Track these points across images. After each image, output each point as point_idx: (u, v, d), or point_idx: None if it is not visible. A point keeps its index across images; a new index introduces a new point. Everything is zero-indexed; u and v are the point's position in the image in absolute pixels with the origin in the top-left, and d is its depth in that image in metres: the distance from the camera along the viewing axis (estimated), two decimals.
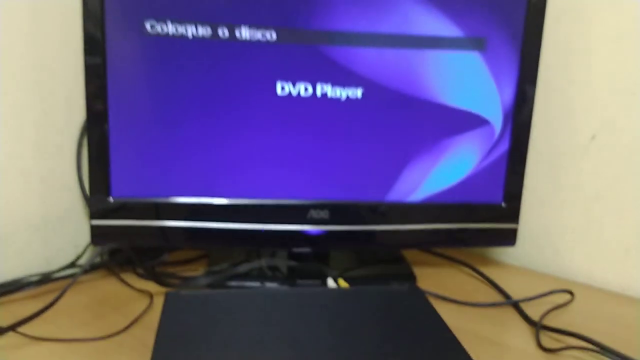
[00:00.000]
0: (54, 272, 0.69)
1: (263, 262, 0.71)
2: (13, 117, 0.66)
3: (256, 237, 0.68)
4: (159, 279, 0.66)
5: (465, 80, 0.68)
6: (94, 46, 0.61)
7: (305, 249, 0.71)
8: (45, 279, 0.68)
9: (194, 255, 0.79)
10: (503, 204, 0.73)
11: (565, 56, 0.76)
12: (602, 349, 0.56)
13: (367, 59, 0.65)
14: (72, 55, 0.66)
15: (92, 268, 0.72)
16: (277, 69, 0.65)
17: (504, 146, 0.71)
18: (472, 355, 0.45)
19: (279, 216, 0.68)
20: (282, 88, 0.65)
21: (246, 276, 0.70)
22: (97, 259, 0.70)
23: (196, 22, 0.62)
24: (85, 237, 0.74)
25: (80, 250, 0.73)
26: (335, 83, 0.66)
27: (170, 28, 0.62)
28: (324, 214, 0.69)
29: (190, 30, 0.62)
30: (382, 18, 0.64)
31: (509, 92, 0.69)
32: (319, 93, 0.66)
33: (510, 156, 0.71)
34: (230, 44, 0.63)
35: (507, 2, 0.66)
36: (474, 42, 0.67)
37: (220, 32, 0.63)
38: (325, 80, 0.65)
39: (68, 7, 0.65)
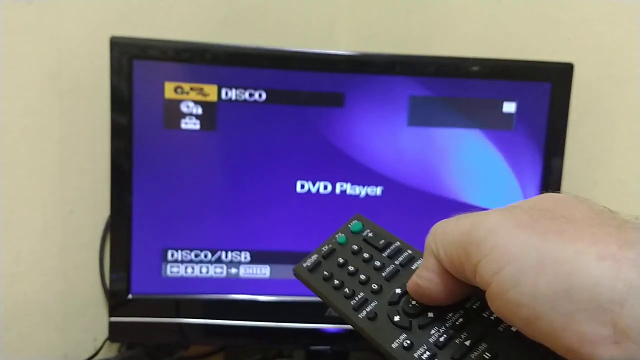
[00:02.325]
0: None
1: None
2: (39, 216, 0.68)
3: (274, 334, 0.67)
4: None
5: (487, 178, 0.67)
6: (122, 146, 0.63)
7: (324, 347, 0.69)
8: None
9: (211, 350, 0.78)
10: None
11: (589, 156, 0.75)
12: None
13: (386, 158, 0.66)
14: (100, 154, 0.69)
15: None
16: (297, 168, 0.65)
17: None
18: None
19: (297, 313, 0.67)
20: (302, 186, 0.66)
21: None
22: (116, 358, 0.69)
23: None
24: (104, 330, 0.74)
25: (98, 344, 0.73)
26: (354, 182, 0.66)
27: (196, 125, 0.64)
28: None
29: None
30: (399, 120, 0.65)
31: (533, 193, 0.68)
32: (338, 190, 0.66)
33: None
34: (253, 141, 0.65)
35: (530, 103, 0.66)
36: (495, 143, 0.67)
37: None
38: (344, 179, 0.66)
39: (96, 108, 0.68)
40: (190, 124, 0.63)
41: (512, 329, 0.25)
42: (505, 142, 0.66)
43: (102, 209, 0.69)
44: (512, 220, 0.22)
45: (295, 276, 0.31)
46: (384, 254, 0.30)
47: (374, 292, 0.28)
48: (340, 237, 0.32)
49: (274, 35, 0.72)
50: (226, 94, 0.63)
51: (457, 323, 0.26)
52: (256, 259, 0.66)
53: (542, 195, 0.25)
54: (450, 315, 0.26)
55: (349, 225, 0.32)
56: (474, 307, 0.26)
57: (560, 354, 0.20)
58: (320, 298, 0.30)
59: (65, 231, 0.70)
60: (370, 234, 0.31)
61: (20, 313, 0.69)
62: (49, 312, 0.71)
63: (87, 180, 0.70)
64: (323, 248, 0.31)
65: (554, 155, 0.67)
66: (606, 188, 0.75)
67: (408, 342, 0.26)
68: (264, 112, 0.64)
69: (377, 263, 0.30)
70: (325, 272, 0.30)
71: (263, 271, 0.67)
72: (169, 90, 0.62)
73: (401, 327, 0.26)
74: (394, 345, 0.26)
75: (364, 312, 0.28)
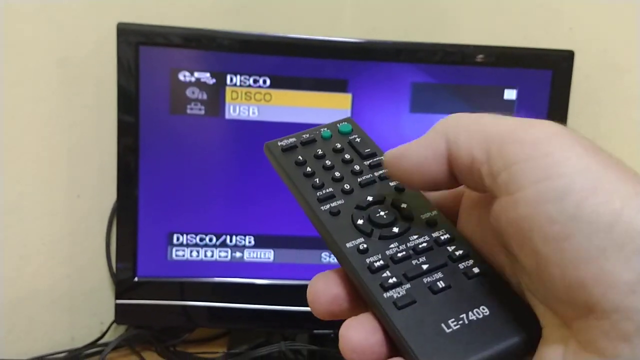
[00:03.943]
0: (79, 349, 0.70)
1: (283, 346, 0.70)
2: (47, 201, 0.70)
3: (277, 317, 0.68)
4: None
5: None
6: (128, 131, 0.64)
7: (327, 331, 0.71)
8: (71, 357, 0.69)
9: (215, 333, 0.79)
10: None
11: None
12: None
13: (389, 144, 0.67)
14: (106, 139, 0.70)
15: (116, 347, 0.72)
16: None
17: None
18: None
19: (300, 297, 0.68)
20: None
21: (267, 358, 0.69)
22: (121, 340, 0.71)
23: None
24: (110, 314, 0.75)
25: (105, 327, 0.74)
26: None
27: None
28: None
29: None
30: (403, 106, 0.66)
31: None
32: None
33: None
34: (259, 125, 0.66)
35: (530, 91, 0.67)
36: None
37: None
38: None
39: (103, 94, 0.69)
40: (195, 110, 0.64)
41: (474, 269, 0.24)
42: None
43: (109, 194, 0.71)
44: (573, 139, 0.20)
45: (265, 152, 0.30)
46: (365, 162, 0.28)
47: (344, 191, 0.27)
48: (325, 131, 0.30)
49: (280, 22, 0.73)
50: (231, 80, 0.64)
51: (419, 247, 0.25)
52: (260, 243, 0.67)
53: None
54: (414, 237, 0.25)
55: (338, 125, 0.30)
56: (442, 238, 0.25)
57: (554, 286, 0.19)
58: (285, 182, 0.28)
59: (72, 216, 0.71)
60: (357, 139, 0.30)
61: (27, 296, 0.71)
62: (56, 295, 0.72)
63: (94, 166, 0.71)
64: (304, 135, 0.30)
65: None
66: None
67: (364, 246, 0.24)
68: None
69: (356, 167, 0.28)
70: (299, 157, 0.28)
71: (267, 255, 0.68)
72: (175, 76, 0.63)
73: (361, 231, 0.25)
74: (348, 245, 0.25)
75: (328, 206, 0.26)
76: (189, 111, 0.64)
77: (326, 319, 0.25)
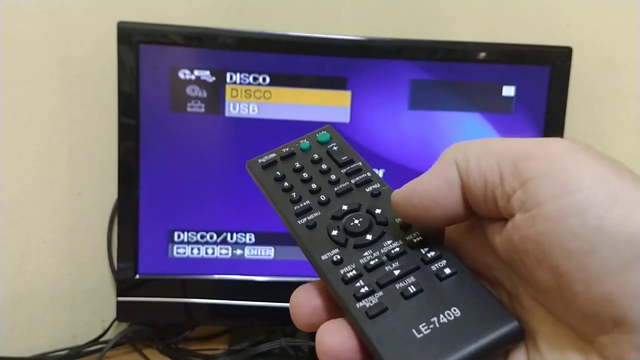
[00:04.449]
0: (80, 347, 0.70)
1: (284, 342, 0.70)
2: (48, 199, 0.70)
3: (278, 314, 0.68)
4: (179, 358, 0.67)
5: None
6: (129, 130, 0.64)
7: None
8: (72, 354, 0.69)
9: (216, 330, 0.79)
10: None
11: (588, 140, 0.76)
12: None
13: (388, 141, 0.67)
14: (107, 138, 0.70)
15: (117, 344, 0.73)
16: None
17: None
18: None
19: None
20: None
21: (267, 355, 0.70)
22: (123, 337, 0.71)
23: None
24: (112, 311, 0.75)
25: (106, 325, 0.75)
26: None
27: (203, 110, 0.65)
28: None
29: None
30: (402, 103, 0.66)
31: None
32: None
33: None
34: (258, 123, 0.66)
35: (529, 87, 0.67)
36: (495, 127, 0.68)
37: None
38: None
39: (104, 92, 0.69)
40: (195, 108, 0.65)
41: (445, 270, 0.24)
42: (505, 125, 0.67)
43: (109, 192, 0.71)
44: (587, 152, 0.20)
45: (247, 169, 0.31)
46: (342, 170, 0.29)
47: (320, 203, 0.28)
48: (304, 143, 0.31)
49: (278, 20, 0.74)
50: (231, 77, 0.64)
51: (392, 252, 0.25)
52: (261, 240, 0.68)
53: None
54: (388, 242, 0.25)
55: (317, 135, 0.31)
56: (415, 240, 0.25)
57: (574, 304, 0.19)
58: (266, 197, 0.29)
59: (73, 213, 0.72)
60: (335, 148, 0.30)
61: (28, 294, 0.71)
62: (58, 293, 0.72)
63: (95, 164, 0.71)
64: (284, 149, 0.30)
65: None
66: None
67: (338, 257, 0.25)
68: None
69: (333, 177, 0.29)
70: (277, 173, 0.29)
71: (267, 252, 0.68)
72: (175, 74, 0.64)
73: (336, 242, 0.26)
74: (323, 257, 0.25)
75: (305, 219, 0.27)
76: (189, 109, 0.65)
77: (308, 331, 0.25)
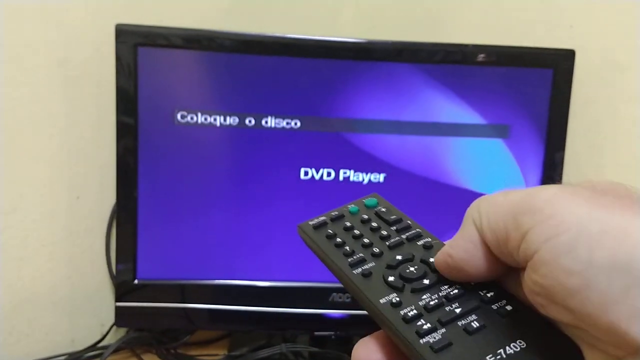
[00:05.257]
0: (79, 352, 0.70)
1: (284, 348, 0.70)
2: (47, 202, 0.69)
3: (278, 319, 0.68)
4: None
5: (489, 166, 0.68)
6: (127, 133, 0.64)
7: (328, 333, 0.70)
8: (71, 359, 0.68)
9: (216, 335, 0.79)
10: None
11: (592, 142, 0.76)
12: None
13: (389, 145, 0.66)
14: (106, 141, 0.70)
15: (116, 349, 0.72)
16: (301, 155, 0.66)
17: None
18: None
19: (301, 299, 0.68)
20: (306, 173, 0.66)
21: None
22: (121, 342, 0.70)
23: (225, 113, 0.65)
24: (111, 316, 0.75)
25: (105, 329, 0.74)
26: (357, 169, 0.67)
27: (200, 118, 0.64)
28: (346, 298, 0.68)
29: (219, 120, 0.65)
30: (404, 106, 0.66)
31: (535, 179, 0.69)
32: (341, 177, 0.67)
33: None
34: (257, 132, 0.65)
35: (531, 90, 0.66)
36: (497, 130, 0.67)
37: (247, 121, 0.65)
38: (347, 166, 0.67)
39: (102, 95, 0.69)
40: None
41: (507, 307, 0.24)
42: (507, 128, 0.67)
43: (108, 195, 0.70)
44: (573, 194, 0.22)
45: (299, 232, 0.31)
46: (392, 227, 0.30)
47: (374, 255, 0.28)
48: (353, 207, 0.32)
49: (278, 23, 0.73)
50: None
51: (452, 294, 0.26)
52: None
53: (599, 179, 0.24)
54: (446, 287, 0.26)
55: (364, 200, 0.32)
56: (472, 283, 0.26)
57: (594, 333, 0.20)
58: (318, 255, 0.30)
59: (72, 217, 0.71)
60: (383, 209, 0.31)
61: (27, 299, 0.70)
62: (56, 297, 0.72)
63: (93, 167, 0.71)
64: (333, 213, 0.31)
65: (556, 142, 0.68)
66: (608, 174, 0.75)
67: (397, 299, 0.25)
68: None
69: (384, 232, 0.29)
70: (329, 231, 0.30)
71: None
72: (174, 77, 0.63)
73: (393, 287, 0.26)
74: (382, 301, 0.26)
75: (360, 269, 0.27)
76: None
77: None
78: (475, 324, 0.24)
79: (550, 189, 0.22)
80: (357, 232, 0.30)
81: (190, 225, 0.66)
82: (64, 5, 0.66)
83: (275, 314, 0.68)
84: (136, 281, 0.66)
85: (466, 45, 0.65)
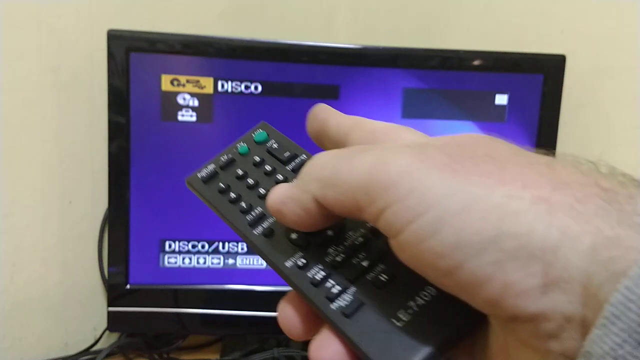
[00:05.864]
0: (72, 356, 0.70)
1: (276, 352, 0.70)
2: (39, 207, 0.69)
3: (271, 323, 0.68)
4: None
5: None
6: (119, 137, 0.64)
7: None
8: None
9: (208, 340, 0.79)
10: None
11: (582, 148, 0.76)
12: None
13: None
14: (98, 146, 0.70)
15: (109, 354, 0.72)
16: None
17: None
18: None
19: None
20: None
21: None
22: (114, 347, 0.70)
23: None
24: (104, 320, 0.75)
25: (98, 333, 0.74)
26: None
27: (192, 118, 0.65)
28: None
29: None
30: (397, 111, 0.66)
31: None
32: None
33: None
34: None
35: (522, 94, 0.67)
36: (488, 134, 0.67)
37: None
38: None
39: (95, 100, 0.69)
40: (186, 116, 0.64)
41: None
42: (498, 133, 0.67)
43: (100, 200, 0.70)
44: (429, 162, 0.20)
45: (188, 186, 0.29)
46: (287, 167, 0.27)
47: None
48: (242, 146, 0.29)
49: (272, 28, 0.73)
50: (222, 86, 0.64)
51: (357, 242, 0.24)
52: (252, 249, 0.67)
53: (457, 134, 0.22)
54: (350, 233, 0.24)
55: (253, 135, 0.29)
56: (370, 226, 0.24)
57: (476, 307, 0.19)
58: (214, 212, 0.28)
59: (64, 222, 0.71)
60: (275, 145, 0.29)
61: (20, 303, 0.70)
62: (49, 302, 0.72)
63: (85, 172, 0.71)
64: (222, 157, 0.29)
65: (546, 147, 0.68)
66: None
67: (303, 261, 0.24)
68: (259, 105, 0.65)
69: (280, 176, 0.27)
70: (221, 184, 0.28)
71: (259, 261, 0.68)
72: (166, 82, 0.63)
73: (297, 245, 0.24)
74: (287, 264, 0.24)
75: (260, 228, 0.25)
76: (180, 118, 0.64)
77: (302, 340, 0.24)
78: (383, 277, 0.22)
79: (403, 155, 0.20)
80: (251, 181, 0.27)
81: (182, 230, 0.66)
82: (56, 11, 0.66)
83: (268, 318, 0.68)
84: (128, 286, 0.66)
85: (458, 51, 0.65)
